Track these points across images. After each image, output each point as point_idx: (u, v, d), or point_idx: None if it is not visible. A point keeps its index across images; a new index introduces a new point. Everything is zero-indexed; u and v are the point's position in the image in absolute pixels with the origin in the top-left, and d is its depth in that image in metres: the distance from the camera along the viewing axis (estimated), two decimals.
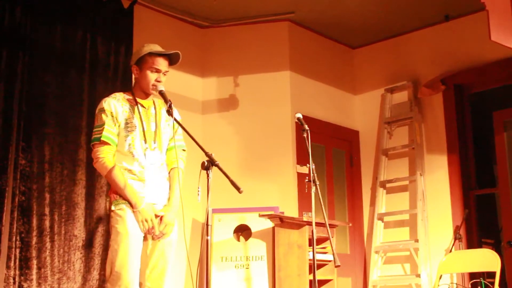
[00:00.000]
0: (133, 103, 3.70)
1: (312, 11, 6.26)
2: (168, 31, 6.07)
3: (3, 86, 4.72)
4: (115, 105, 3.64)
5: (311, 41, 6.69)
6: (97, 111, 3.69)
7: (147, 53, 3.69)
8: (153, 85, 3.69)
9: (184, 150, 3.87)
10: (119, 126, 3.62)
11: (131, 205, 3.53)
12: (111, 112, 3.61)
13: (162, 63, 3.70)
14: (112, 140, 3.59)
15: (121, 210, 3.54)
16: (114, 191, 3.59)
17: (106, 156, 3.57)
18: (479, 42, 6.03)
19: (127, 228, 3.50)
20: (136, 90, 3.77)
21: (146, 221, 3.53)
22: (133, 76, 3.81)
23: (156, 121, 3.74)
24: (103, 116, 3.61)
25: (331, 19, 6.45)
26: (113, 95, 3.73)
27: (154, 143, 3.69)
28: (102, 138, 3.57)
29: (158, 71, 3.69)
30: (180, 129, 3.77)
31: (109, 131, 3.59)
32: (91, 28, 5.35)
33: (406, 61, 6.73)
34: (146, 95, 3.75)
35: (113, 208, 3.57)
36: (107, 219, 3.69)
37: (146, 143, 3.64)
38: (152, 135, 3.69)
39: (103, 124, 3.59)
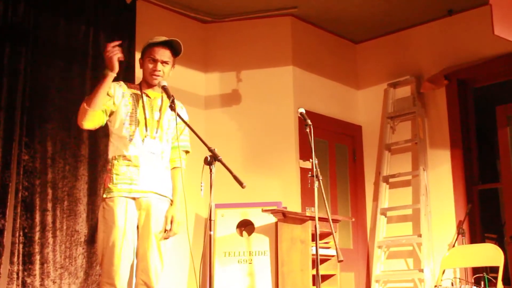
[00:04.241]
0: (138, 92, 3.75)
1: (315, 6, 6.25)
2: (170, 26, 6.06)
3: (6, 82, 4.73)
4: (114, 86, 3.69)
5: (314, 36, 6.68)
6: None
7: (148, 45, 3.76)
8: (150, 74, 3.73)
9: (187, 151, 3.89)
10: (114, 105, 3.66)
11: (106, 75, 3.50)
12: (108, 92, 3.64)
13: (159, 53, 3.73)
14: (116, 123, 3.66)
15: (112, 201, 3.54)
16: (107, 176, 3.61)
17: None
18: (482, 37, 6.02)
19: (117, 221, 3.50)
20: (142, 82, 3.83)
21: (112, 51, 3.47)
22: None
23: (160, 111, 3.75)
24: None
25: (334, 14, 6.44)
26: (117, 81, 3.76)
27: (156, 132, 3.70)
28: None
29: (155, 60, 3.72)
30: (187, 129, 3.82)
31: (108, 111, 3.66)
32: (94, 23, 5.35)
33: (409, 56, 6.71)
34: (150, 86, 3.78)
35: (104, 195, 3.57)
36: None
37: (147, 131, 3.66)
38: (155, 124, 3.71)
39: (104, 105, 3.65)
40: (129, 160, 3.60)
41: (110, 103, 3.65)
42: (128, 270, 3.56)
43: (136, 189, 3.59)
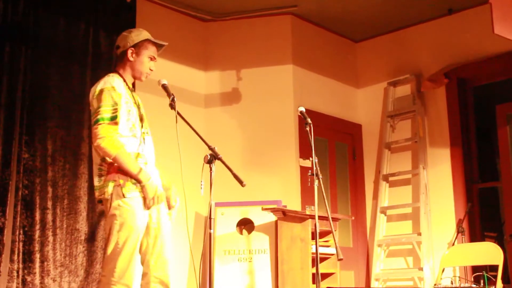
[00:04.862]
0: (126, 87, 3.63)
1: (315, 5, 6.25)
2: (170, 24, 6.06)
3: (6, 80, 4.73)
4: (120, 86, 3.53)
5: (314, 35, 6.68)
6: (103, 89, 3.47)
7: (147, 39, 3.67)
8: (147, 73, 3.69)
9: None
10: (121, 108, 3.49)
11: (139, 181, 3.36)
12: (119, 94, 3.48)
13: (156, 53, 3.72)
14: (120, 122, 3.44)
15: (132, 200, 3.40)
16: (120, 172, 3.40)
17: (115, 135, 3.39)
18: (482, 36, 6.02)
19: (137, 224, 3.40)
20: (125, 74, 3.66)
21: (156, 197, 3.41)
22: (127, 59, 3.65)
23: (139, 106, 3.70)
24: (114, 95, 3.44)
25: (334, 13, 6.44)
26: (112, 74, 3.60)
27: (147, 128, 3.67)
28: (116, 119, 3.41)
29: (153, 59, 3.69)
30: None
31: (119, 112, 3.44)
32: (94, 22, 5.35)
33: (409, 54, 6.71)
34: (133, 80, 3.71)
35: (125, 193, 3.38)
36: (108, 203, 3.44)
37: (143, 128, 3.62)
38: (145, 119, 3.67)
39: (116, 104, 3.43)
40: (142, 158, 3.53)
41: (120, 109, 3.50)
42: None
43: None
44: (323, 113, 6.54)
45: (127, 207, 3.39)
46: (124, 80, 3.64)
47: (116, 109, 3.42)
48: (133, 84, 3.83)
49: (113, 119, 3.41)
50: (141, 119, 3.63)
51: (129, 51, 3.64)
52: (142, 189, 3.40)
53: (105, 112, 3.41)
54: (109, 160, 3.43)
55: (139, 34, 3.68)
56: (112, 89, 3.46)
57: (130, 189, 3.41)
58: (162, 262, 3.55)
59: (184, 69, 6.11)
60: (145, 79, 3.71)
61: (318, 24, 6.70)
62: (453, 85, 6.31)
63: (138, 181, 3.40)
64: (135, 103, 3.63)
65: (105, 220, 3.52)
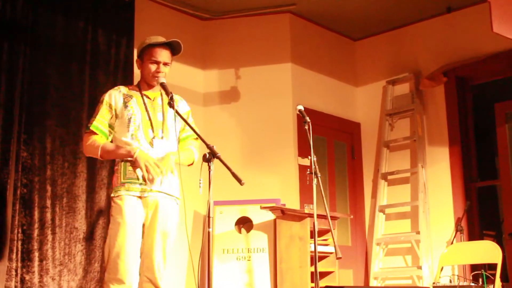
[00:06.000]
0: (138, 95, 3.75)
1: (314, 3, 6.25)
2: (169, 23, 6.06)
3: (4, 78, 4.73)
4: (115, 96, 3.71)
5: (313, 33, 6.68)
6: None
7: (147, 45, 3.73)
8: (153, 75, 3.72)
9: (196, 138, 3.89)
10: (116, 117, 3.69)
11: (129, 156, 3.55)
12: (110, 104, 3.69)
13: (160, 54, 3.73)
14: (100, 130, 3.68)
15: (119, 199, 3.57)
16: (116, 177, 3.64)
17: (93, 139, 3.66)
18: (481, 34, 6.02)
19: (125, 217, 3.52)
20: (141, 83, 3.82)
21: (149, 163, 3.50)
22: (139, 71, 3.87)
23: (163, 111, 3.75)
24: (100, 106, 3.72)
25: (333, 11, 6.44)
26: (116, 87, 3.81)
27: (162, 132, 3.70)
28: (91, 127, 3.67)
29: (157, 62, 3.72)
30: (190, 118, 3.90)
31: (100, 121, 3.68)
32: (93, 20, 5.35)
33: (407, 53, 6.71)
34: (151, 86, 3.78)
35: (112, 194, 3.62)
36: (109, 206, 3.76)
37: (153, 132, 3.66)
38: (159, 124, 3.71)
39: (97, 114, 3.69)
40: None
41: (112, 120, 3.71)
42: (138, 268, 3.55)
43: (143, 188, 3.60)
44: (322, 111, 6.54)
45: (114, 205, 3.60)
46: (140, 89, 3.78)
47: (93, 120, 3.70)
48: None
49: (88, 129, 3.71)
50: (151, 124, 3.67)
51: (137, 63, 3.83)
52: (135, 163, 3.54)
53: (89, 123, 3.75)
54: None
55: (142, 44, 3.80)
56: (101, 101, 3.74)
57: (118, 189, 3.61)
58: (151, 263, 3.59)
59: (183, 67, 6.10)
60: (158, 82, 3.75)
61: (317, 23, 6.69)
62: (452, 84, 6.32)
63: (131, 158, 3.56)
64: (146, 109, 3.69)
65: None
